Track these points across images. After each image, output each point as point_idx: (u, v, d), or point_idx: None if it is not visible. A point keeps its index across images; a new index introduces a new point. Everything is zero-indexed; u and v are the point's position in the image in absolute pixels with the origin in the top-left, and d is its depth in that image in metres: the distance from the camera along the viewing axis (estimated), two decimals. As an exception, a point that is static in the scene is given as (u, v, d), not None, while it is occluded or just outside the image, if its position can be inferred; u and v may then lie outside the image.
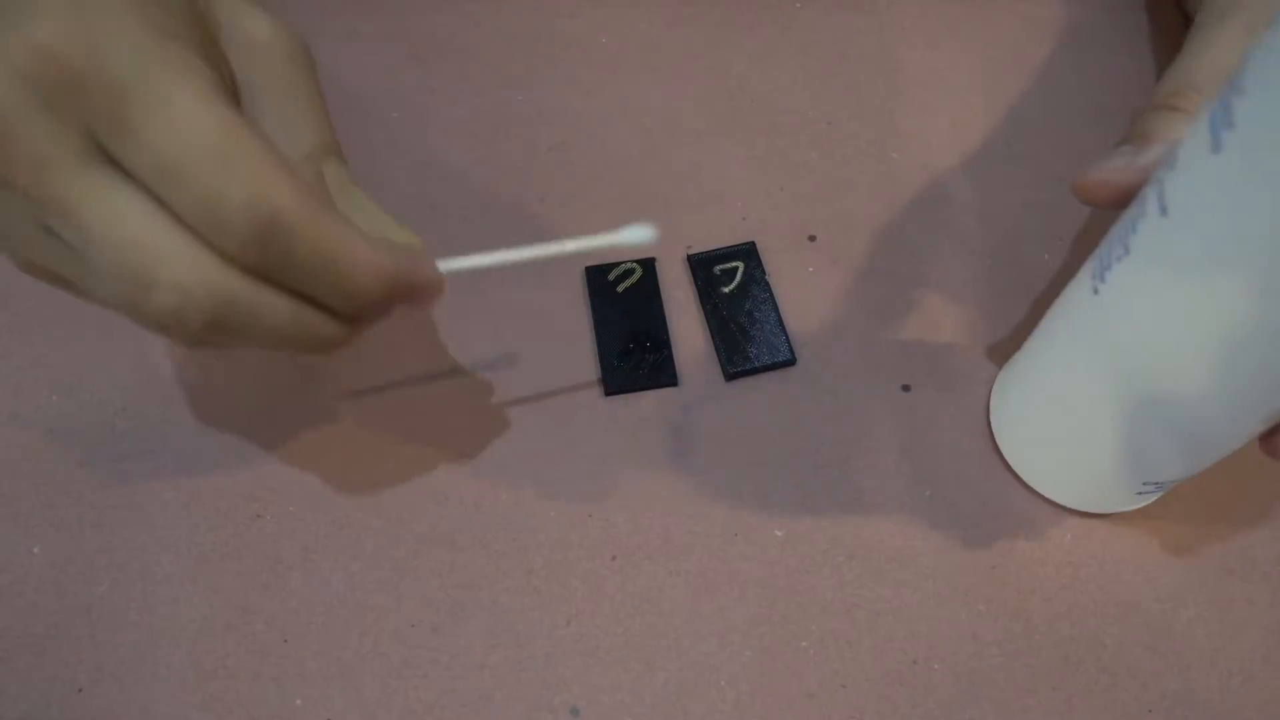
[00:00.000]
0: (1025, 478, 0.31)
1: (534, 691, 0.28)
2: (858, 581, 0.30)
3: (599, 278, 0.35)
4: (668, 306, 0.34)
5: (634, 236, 0.25)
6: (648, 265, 0.35)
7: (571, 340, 0.34)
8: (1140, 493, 0.29)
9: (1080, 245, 0.36)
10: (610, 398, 0.33)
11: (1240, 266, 0.22)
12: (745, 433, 0.32)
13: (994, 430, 0.32)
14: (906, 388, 0.33)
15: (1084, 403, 0.27)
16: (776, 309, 0.34)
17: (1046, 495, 0.31)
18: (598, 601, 0.29)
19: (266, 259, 0.20)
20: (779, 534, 0.31)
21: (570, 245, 0.25)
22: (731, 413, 0.33)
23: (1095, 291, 0.26)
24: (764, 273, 0.34)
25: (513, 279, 0.35)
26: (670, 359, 0.33)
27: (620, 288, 0.34)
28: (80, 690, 0.28)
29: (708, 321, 0.33)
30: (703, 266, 0.35)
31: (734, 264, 0.34)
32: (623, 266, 0.34)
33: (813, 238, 0.36)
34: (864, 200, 0.37)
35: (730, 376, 0.33)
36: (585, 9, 0.41)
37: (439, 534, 0.30)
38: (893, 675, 0.28)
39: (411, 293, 0.23)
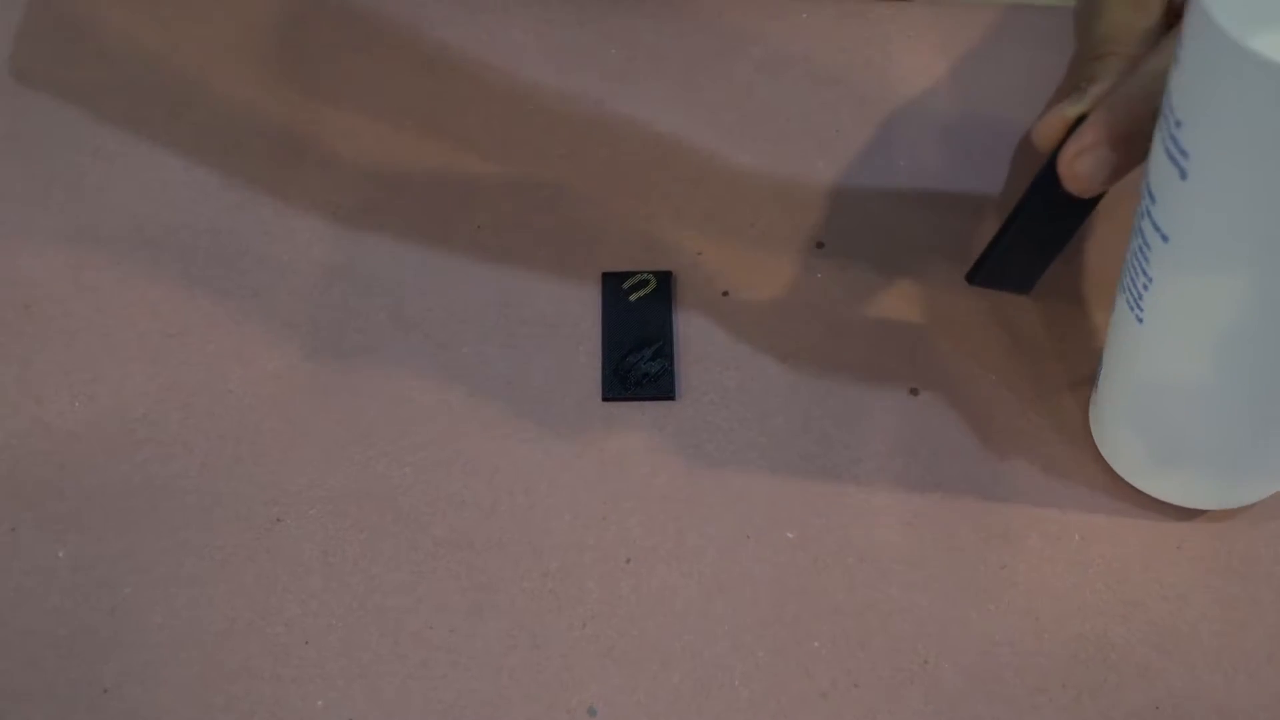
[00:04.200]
0: (1138, 484, 0.31)
1: (551, 692, 0.29)
2: (869, 583, 0.30)
3: (614, 285, 0.35)
4: (678, 319, 0.35)
5: None
6: (663, 277, 0.35)
7: (583, 343, 0.34)
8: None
9: (1085, 249, 0.36)
10: (624, 403, 0.33)
11: (1250, 277, 0.22)
12: (755, 437, 0.33)
13: (1098, 442, 0.32)
14: (914, 391, 0.34)
15: (1183, 412, 0.28)
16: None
17: (1162, 498, 0.31)
18: (613, 603, 0.30)
19: None
20: (790, 536, 0.31)
21: None
22: (741, 418, 0.33)
23: (1140, 321, 0.26)
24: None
25: (528, 281, 0.36)
26: (670, 372, 0.33)
27: (633, 297, 0.35)
28: (105, 691, 0.29)
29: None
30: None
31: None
32: (639, 276, 0.35)
33: (820, 244, 0.37)
34: (872, 207, 0.37)
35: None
36: (593, 20, 0.42)
37: (456, 537, 0.31)
38: (904, 675, 0.29)
39: None
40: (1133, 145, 0.27)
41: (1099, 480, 0.32)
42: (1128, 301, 0.27)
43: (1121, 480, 0.32)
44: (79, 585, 0.30)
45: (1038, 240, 0.31)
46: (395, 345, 0.34)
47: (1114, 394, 0.30)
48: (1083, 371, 0.34)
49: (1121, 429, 0.31)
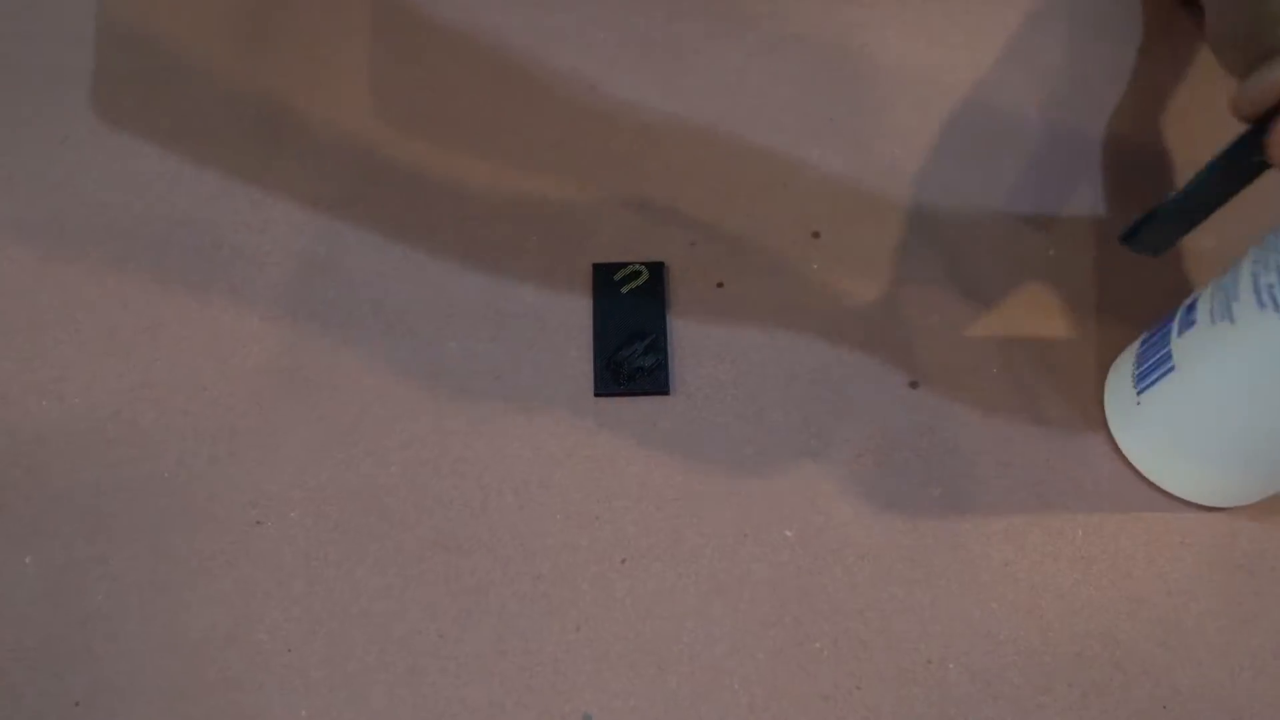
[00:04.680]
0: (1168, 486, 0.31)
1: (544, 699, 0.28)
2: (870, 582, 0.30)
3: (605, 276, 0.34)
4: (671, 311, 0.34)
5: None
6: (655, 269, 0.34)
7: (574, 336, 0.33)
8: None
9: (1086, 239, 0.36)
10: (617, 399, 0.32)
11: None
12: (752, 433, 0.32)
13: (1118, 442, 0.31)
14: (914, 384, 0.33)
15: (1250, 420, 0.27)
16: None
17: (1185, 497, 0.31)
18: (608, 605, 0.29)
19: None
20: (789, 534, 0.30)
21: None
22: (737, 413, 0.32)
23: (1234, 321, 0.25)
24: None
25: (517, 273, 0.34)
26: (664, 366, 0.32)
27: (625, 289, 0.34)
28: (77, 704, 0.27)
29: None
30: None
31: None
32: (630, 267, 0.34)
33: (816, 234, 0.36)
34: (867, 195, 0.37)
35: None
36: (582, 4, 0.41)
37: (444, 538, 0.30)
38: (907, 675, 0.28)
39: None
40: None
41: (1102, 474, 0.31)
42: (1259, 299, 0.25)
43: (1122, 474, 0.31)
44: (48, 593, 0.29)
45: (1198, 207, 0.29)
46: (378, 340, 0.33)
47: (1185, 391, 0.29)
48: (1087, 363, 0.33)
49: (1174, 427, 0.29)
